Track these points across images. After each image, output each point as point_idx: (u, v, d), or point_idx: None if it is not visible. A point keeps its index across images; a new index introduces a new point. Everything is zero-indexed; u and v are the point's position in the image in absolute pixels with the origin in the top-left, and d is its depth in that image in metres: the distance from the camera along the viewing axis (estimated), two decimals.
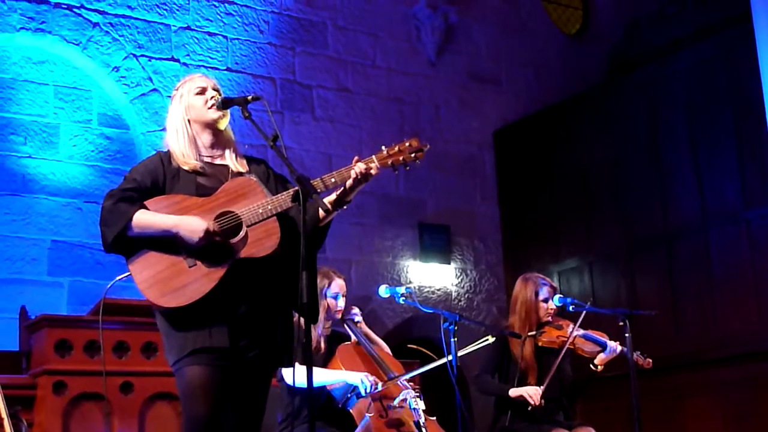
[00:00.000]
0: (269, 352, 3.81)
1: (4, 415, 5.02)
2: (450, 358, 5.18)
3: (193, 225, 3.68)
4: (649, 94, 9.30)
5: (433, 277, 9.96)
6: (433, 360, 5.69)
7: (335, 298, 5.45)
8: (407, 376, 5.45)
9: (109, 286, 4.75)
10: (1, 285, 7.64)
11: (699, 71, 8.89)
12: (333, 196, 3.89)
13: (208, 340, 3.68)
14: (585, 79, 10.85)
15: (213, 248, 3.70)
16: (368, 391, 5.15)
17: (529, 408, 5.73)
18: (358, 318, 5.61)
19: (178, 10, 8.86)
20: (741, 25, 8.35)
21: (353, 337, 5.54)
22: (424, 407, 5.28)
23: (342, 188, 3.85)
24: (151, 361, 5.95)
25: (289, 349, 3.88)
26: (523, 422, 5.84)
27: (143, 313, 5.50)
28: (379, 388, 5.21)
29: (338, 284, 5.47)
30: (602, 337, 5.97)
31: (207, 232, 3.66)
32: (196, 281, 3.66)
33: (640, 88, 9.41)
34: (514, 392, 5.81)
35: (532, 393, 5.74)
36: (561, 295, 6.08)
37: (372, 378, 5.20)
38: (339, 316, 5.52)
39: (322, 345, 5.40)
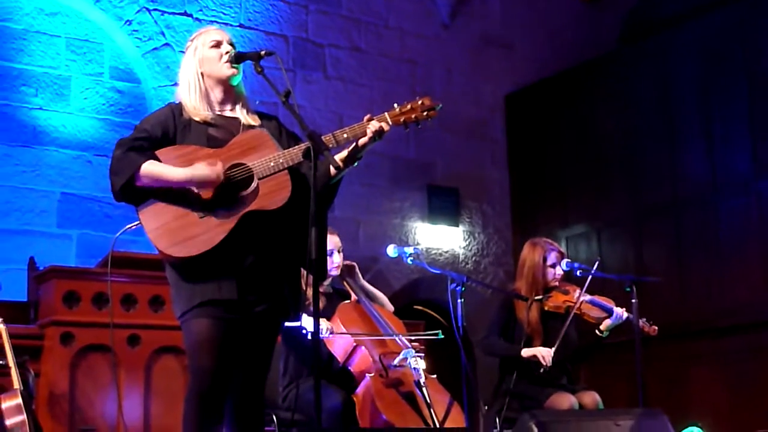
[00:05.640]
0: (276, 307, 3.82)
1: (12, 365, 5.08)
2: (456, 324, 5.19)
3: (205, 174, 3.68)
4: (662, 62, 9.23)
5: (441, 239, 9.95)
6: (438, 321, 5.69)
7: (330, 254, 5.38)
8: (404, 337, 5.41)
9: (118, 234, 4.76)
10: (11, 236, 7.65)
11: (713, 39, 8.82)
12: (344, 153, 3.87)
13: (217, 292, 3.68)
14: (598, 45, 10.77)
15: (224, 200, 3.70)
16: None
17: (541, 369, 5.75)
18: (356, 273, 5.58)
19: None
20: None
21: (353, 296, 5.53)
22: (424, 366, 5.28)
23: (353, 145, 3.84)
24: (159, 314, 5.98)
25: (296, 304, 3.89)
26: (528, 385, 5.86)
27: (151, 267, 5.53)
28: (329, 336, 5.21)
29: (332, 241, 5.37)
30: (608, 303, 5.99)
31: (218, 178, 3.67)
32: (207, 232, 3.67)
33: (653, 56, 9.34)
34: (526, 352, 5.82)
35: (545, 354, 5.76)
36: (568, 260, 6.09)
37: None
38: (337, 272, 5.49)
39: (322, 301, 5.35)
